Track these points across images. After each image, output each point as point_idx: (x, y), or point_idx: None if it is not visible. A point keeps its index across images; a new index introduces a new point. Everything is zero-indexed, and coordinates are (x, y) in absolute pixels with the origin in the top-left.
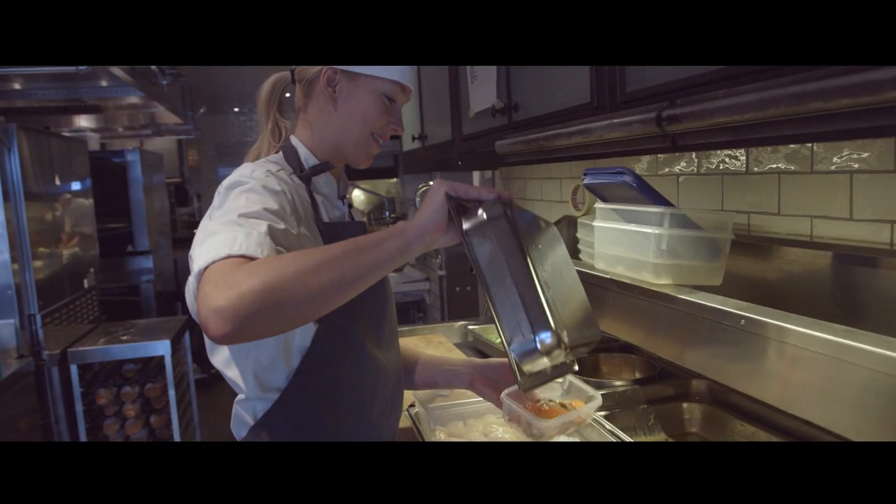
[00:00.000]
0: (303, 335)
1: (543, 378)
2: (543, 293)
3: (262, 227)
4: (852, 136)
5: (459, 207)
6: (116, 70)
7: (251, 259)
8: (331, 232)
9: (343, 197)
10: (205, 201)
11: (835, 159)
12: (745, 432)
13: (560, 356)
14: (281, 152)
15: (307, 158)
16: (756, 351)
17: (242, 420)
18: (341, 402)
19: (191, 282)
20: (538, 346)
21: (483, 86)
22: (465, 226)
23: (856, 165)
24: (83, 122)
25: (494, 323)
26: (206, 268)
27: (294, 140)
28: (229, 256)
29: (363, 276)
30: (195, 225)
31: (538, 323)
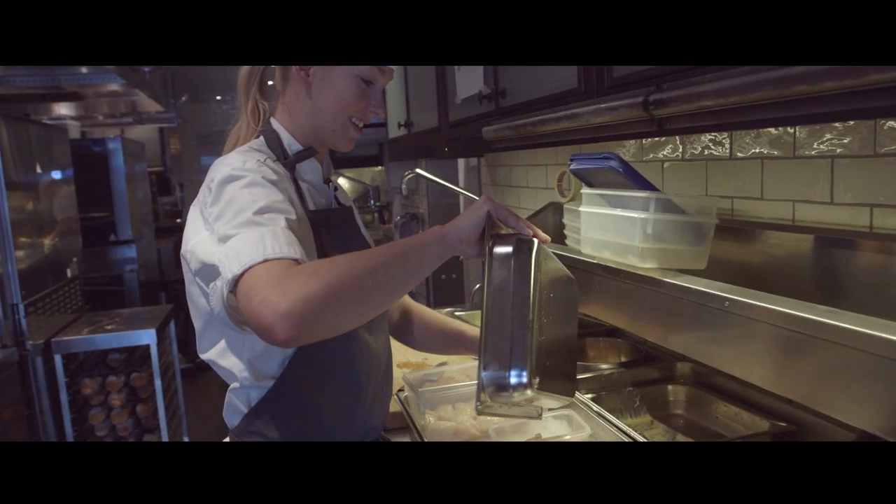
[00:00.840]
0: None
1: (502, 411)
2: (533, 336)
3: (281, 222)
4: (836, 118)
5: (493, 228)
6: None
7: (289, 260)
8: (318, 220)
9: (328, 181)
10: (187, 190)
11: (816, 145)
12: (729, 413)
13: (524, 398)
14: (262, 137)
15: (290, 144)
16: (740, 332)
17: (236, 408)
18: (335, 388)
19: (218, 287)
20: (508, 380)
21: (470, 72)
22: (494, 249)
23: (837, 150)
24: (63, 109)
25: (479, 343)
26: (242, 273)
27: (275, 124)
28: (267, 260)
29: (410, 280)
30: (178, 214)
31: (516, 360)
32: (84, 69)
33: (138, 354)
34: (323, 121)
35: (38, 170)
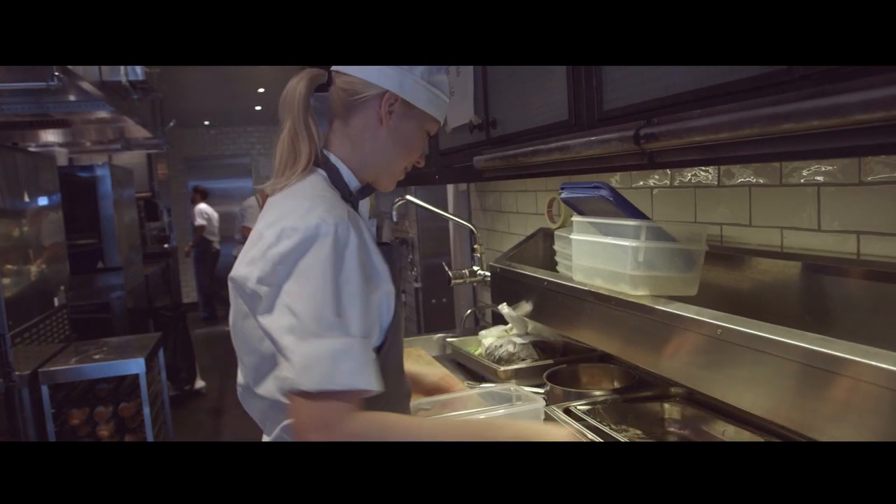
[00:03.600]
0: None
1: None
2: None
3: (363, 347)
4: (823, 155)
5: None
6: (86, 85)
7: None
8: (387, 251)
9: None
10: (174, 215)
11: (803, 173)
12: (723, 431)
13: None
14: (324, 172)
15: (349, 180)
16: (732, 359)
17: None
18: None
19: (279, 380)
20: None
21: (461, 102)
22: None
23: (822, 179)
24: (50, 136)
25: None
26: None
27: (332, 157)
28: (336, 392)
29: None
30: (165, 239)
31: None
32: (72, 96)
33: (127, 383)
34: (390, 161)
35: (26, 198)
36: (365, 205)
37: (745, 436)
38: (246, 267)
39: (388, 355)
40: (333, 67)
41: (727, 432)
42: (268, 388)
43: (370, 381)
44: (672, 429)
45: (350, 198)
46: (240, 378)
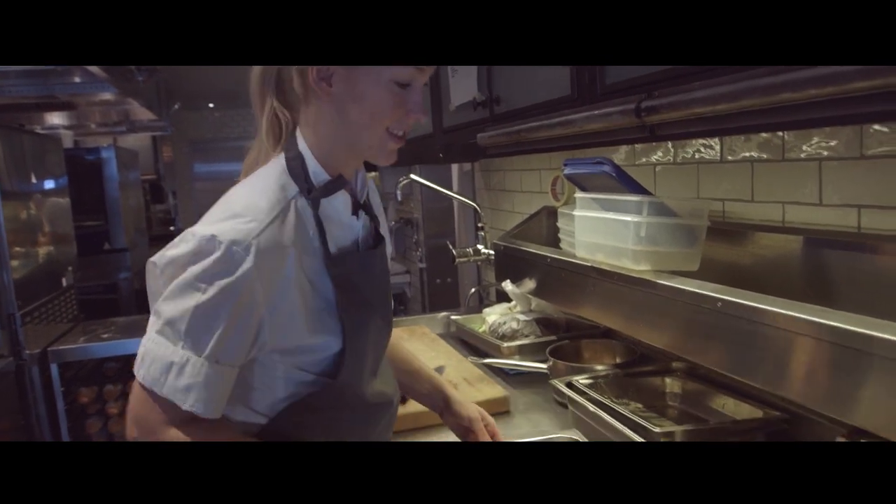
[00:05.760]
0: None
1: None
2: None
3: (206, 369)
4: (820, 123)
5: None
6: (91, 66)
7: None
8: (341, 265)
9: (359, 205)
10: (180, 197)
11: (804, 147)
12: (723, 403)
13: None
14: (284, 160)
15: (315, 172)
16: (733, 331)
17: None
18: (336, 434)
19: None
20: None
21: (464, 79)
22: None
23: (824, 153)
24: (55, 119)
25: None
26: (139, 380)
27: (301, 143)
28: (159, 398)
29: None
30: (171, 222)
31: None
32: (77, 78)
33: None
34: (357, 137)
35: (33, 179)
36: (344, 203)
37: (745, 409)
38: (156, 258)
39: (345, 378)
40: None
41: (727, 405)
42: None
43: (195, 404)
44: (672, 403)
45: (309, 194)
46: None
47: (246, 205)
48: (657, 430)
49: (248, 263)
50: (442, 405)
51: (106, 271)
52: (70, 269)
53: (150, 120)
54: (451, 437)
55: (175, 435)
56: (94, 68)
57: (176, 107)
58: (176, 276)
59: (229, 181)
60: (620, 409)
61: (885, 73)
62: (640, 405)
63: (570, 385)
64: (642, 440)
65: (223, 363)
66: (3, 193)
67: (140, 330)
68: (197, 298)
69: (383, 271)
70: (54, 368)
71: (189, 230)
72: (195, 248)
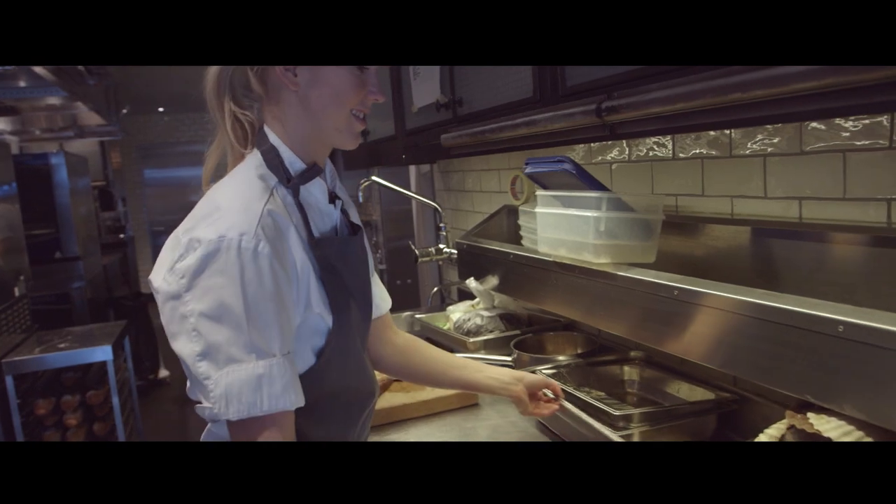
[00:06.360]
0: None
1: None
2: None
3: (285, 364)
4: (767, 121)
5: None
6: (39, 69)
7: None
8: (323, 248)
9: (334, 196)
10: (130, 204)
11: (750, 145)
12: (678, 388)
13: None
14: (259, 154)
15: (291, 162)
16: (688, 317)
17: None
18: (325, 418)
19: (206, 412)
20: None
21: (426, 81)
22: None
23: (768, 150)
24: (1, 125)
25: None
26: (232, 420)
27: (271, 136)
28: (263, 417)
29: None
30: (121, 229)
31: None
32: (22, 82)
33: (93, 372)
34: (324, 123)
35: None
36: (321, 190)
37: (698, 392)
38: (158, 276)
39: (331, 360)
40: None
41: (682, 390)
42: (193, 394)
43: (295, 400)
44: (631, 389)
45: (288, 183)
46: None
47: (234, 198)
48: (616, 412)
49: (264, 248)
50: (511, 380)
51: (58, 280)
52: (22, 278)
53: (98, 125)
54: (422, 431)
55: (286, 437)
56: (41, 71)
57: (124, 111)
58: (194, 285)
59: (180, 186)
60: (582, 395)
61: (821, 74)
62: (601, 393)
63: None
64: (601, 425)
65: (291, 352)
66: None
67: (97, 339)
68: (237, 298)
69: (362, 261)
70: (9, 380)
71: (188, 237)
72: (208, 252)
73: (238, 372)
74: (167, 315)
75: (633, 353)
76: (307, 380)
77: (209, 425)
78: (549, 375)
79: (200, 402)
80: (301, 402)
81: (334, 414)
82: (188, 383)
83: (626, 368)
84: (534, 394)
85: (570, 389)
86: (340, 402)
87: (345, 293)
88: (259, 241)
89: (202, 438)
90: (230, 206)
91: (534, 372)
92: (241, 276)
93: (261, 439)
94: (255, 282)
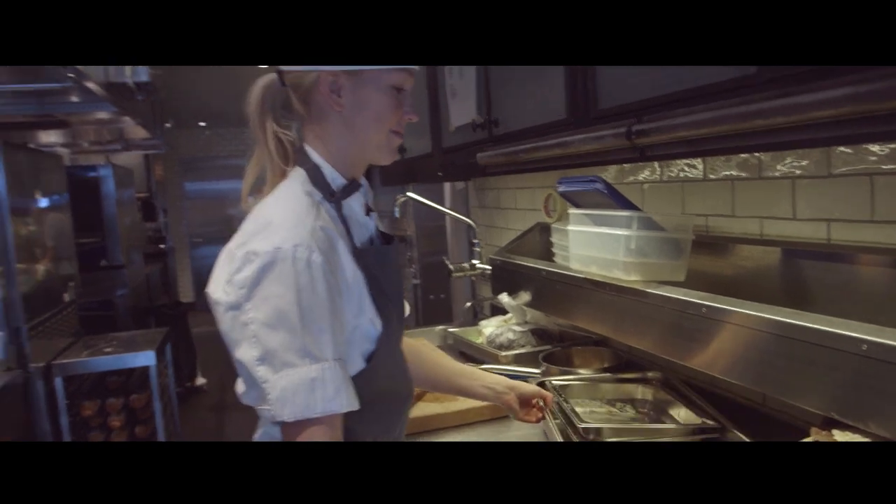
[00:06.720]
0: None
1: None
2: None
3: (338, 369)
4: (787, 147)
5: None
6: (91, 85)
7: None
8: (365, 257)
9: (369, 208)
10: (171, 216)
11: (779, 167)
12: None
13: None
14: (303, 172)
15: (333, 178)
16: (716, 334)
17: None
18: (373, 416)
19: (266, 416)
20: None
21: (463, 102)
22: None
23: (797, 172)
24: (50, 137)
25: None
26: (287, 421)
27: (313, 154)
28: (314, 419)
29: None
30: (162, 240)
31: None
32: (74, 97)
33: (136, 376)
34: (366, 140)
35: (36, 196)
36: (359, 203)
37: (692, 416)
38: (217, 289)
39: (378, 364)
40: (280, 67)
41: (680, 415)
42: (250, 398)
43: (348, 403)
44: (643, 409)
45: (332, 198)
46: (238, 382)
47: (286, 213)
48: (581, 425)
49: (317, 258)
50: (504, 389)
51: (103, 287)
52: (71, 284)
53: (143, 138)
54: (455, 440)
55: (335, 437)
56: (93, 86)
57: (168, 125)
58: (254, 301)
59: (220, 199)
60: (576, 406)
61: (838, 103)
62: (608, 408)
63: (541, 385)
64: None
65: (343, 357)
66: (9, 210)
67: (140, 345)
68: (292, 306)
69: (397, 269)
70: (59, 382)
71: (244, 251)
72: (265, 263)
73: (292, 375)
74: (228, 324)
75: (650, 374)
76: (357, 383)
77: (262, 426)
78: (557, 386)
79: (260, 406)
80: (355, 405)
81: (380, 415)
82: (242, 388)
83: (641, 388)
84: (527, 402)
85: (561, 401)
86: (385, 403)
87: (385, 299)
88: (311, 251)
89: (255, 439)
90: (283, 221)
91: (541, 384)
92: (295, 285)
93: (311, 439)
94: (309, 290)
